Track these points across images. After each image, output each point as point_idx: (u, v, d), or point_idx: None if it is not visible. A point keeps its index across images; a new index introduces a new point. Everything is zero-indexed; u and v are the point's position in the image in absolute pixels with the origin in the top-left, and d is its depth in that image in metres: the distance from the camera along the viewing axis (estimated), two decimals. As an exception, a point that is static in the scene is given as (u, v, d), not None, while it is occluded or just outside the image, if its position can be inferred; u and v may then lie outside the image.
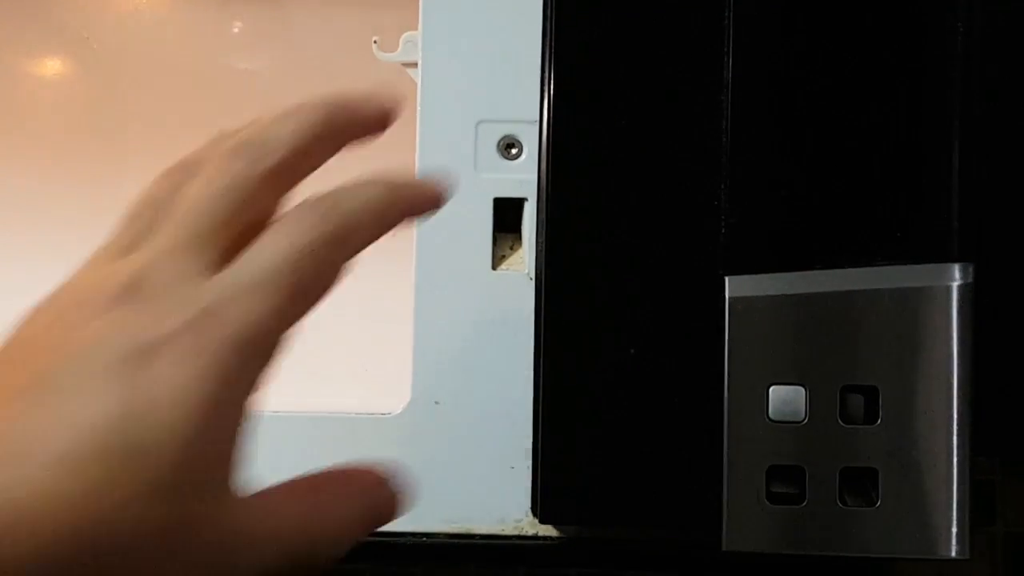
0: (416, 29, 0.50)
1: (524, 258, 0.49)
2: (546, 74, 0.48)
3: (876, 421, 0.44)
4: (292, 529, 0.33)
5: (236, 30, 0.71)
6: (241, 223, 0.32)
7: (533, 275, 0.49)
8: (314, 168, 0.34)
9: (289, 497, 0.34)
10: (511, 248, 0.50)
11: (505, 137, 0.49)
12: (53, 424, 0.28)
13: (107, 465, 0.28)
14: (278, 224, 0.32)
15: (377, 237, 0.33)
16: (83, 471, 0.28)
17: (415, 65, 0.50)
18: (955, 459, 0.43)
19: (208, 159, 0.34)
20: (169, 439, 0.29)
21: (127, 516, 0.28)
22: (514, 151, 0.49)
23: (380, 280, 0.54)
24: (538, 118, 0.48)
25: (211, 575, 0.30)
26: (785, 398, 0.45)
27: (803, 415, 0.44)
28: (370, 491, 0.36)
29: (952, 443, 0.43)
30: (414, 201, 0.34)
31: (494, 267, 0.49)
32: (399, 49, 0.52)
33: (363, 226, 0.33)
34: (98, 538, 0.28)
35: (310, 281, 0.32)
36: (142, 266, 0.31)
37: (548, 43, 0.48)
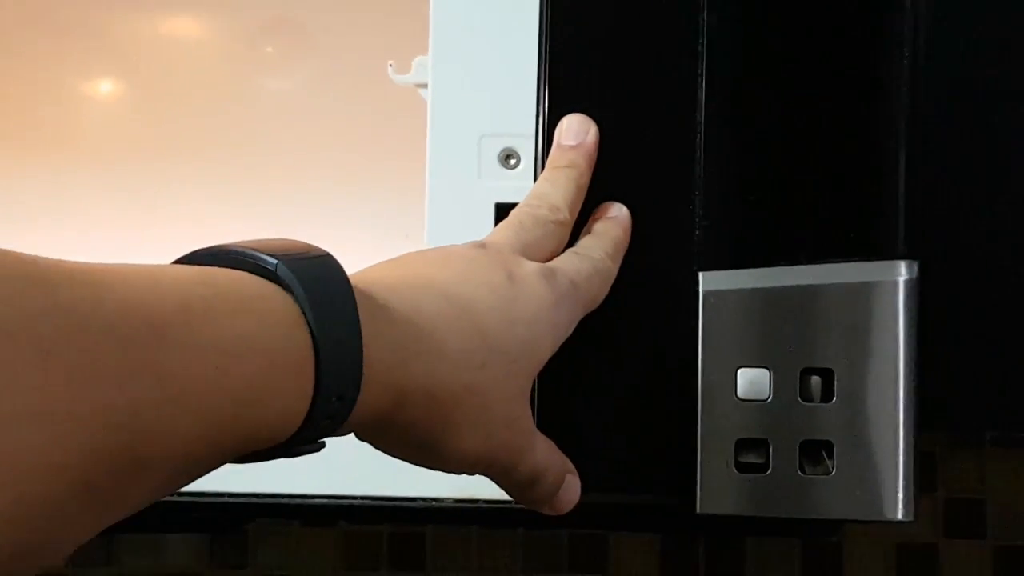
0: (426, 54, 0.50)
1: (522, 256, 0.49)
2: (541, 94, 0.48)
3: (832, 400, 0.44)
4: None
5: (268, 52, 0.71)
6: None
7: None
8: None
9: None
10: (510, 247, 0.50)
11: (505, 149, 0.49)
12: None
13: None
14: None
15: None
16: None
17: (426, 86, 0.50)
18: (901, 433, 0.43)
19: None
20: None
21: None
22: (513, 161, 0.49)
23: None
24: (534, 132, 0.48)
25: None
26: (752, 379, 0.45)
27: (767, 394, 0.44)
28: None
29: (899, 419, 0.43)
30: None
31: (495, 264, 0.49)
32: (412, 71, 0.52)
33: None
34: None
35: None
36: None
37: (543, 67, 0.48)
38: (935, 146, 0.45)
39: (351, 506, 0.50)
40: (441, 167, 0.50)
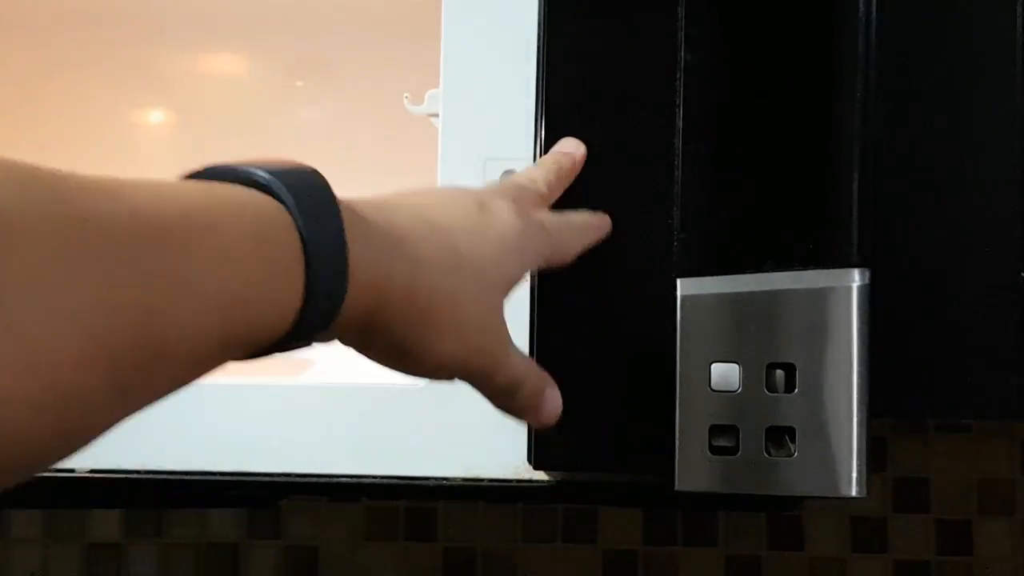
0: (438, 88, 0.50)
1: (522, 265, 0.49)
2: (538, 123, 0.48)
3: (794, 391, 0.44)
4: None
5: (299, 86, 0.71)
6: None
7: (528, 277, 0.49)
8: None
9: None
10: (512, 257, 0.50)
11: (507, 171, 0.49)
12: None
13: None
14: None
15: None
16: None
17: (437, 115, 0.50)
18: (855, 420, 0.43)
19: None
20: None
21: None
22: (514, 182, 0.49)
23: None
24: (532, 156, 0.48)
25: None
26: (723, 373, 0.45)
27: (737, 386, 0.44)
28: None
29: (853, 407, 0.43)
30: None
31: (498, 271, 0.49)
32: (425, 103, 0.52)
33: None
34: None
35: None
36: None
37: (540, 99, 0.48)
38: (885, 167, 0.45)
39: (372, 484, 0.50)
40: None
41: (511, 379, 0.40)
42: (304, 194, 0.31)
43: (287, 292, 0.30)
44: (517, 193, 0.42)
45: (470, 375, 0.39)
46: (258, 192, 0.30)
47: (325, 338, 0.34)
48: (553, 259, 0.43)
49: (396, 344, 0.36)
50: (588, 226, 0.46)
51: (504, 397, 0.40)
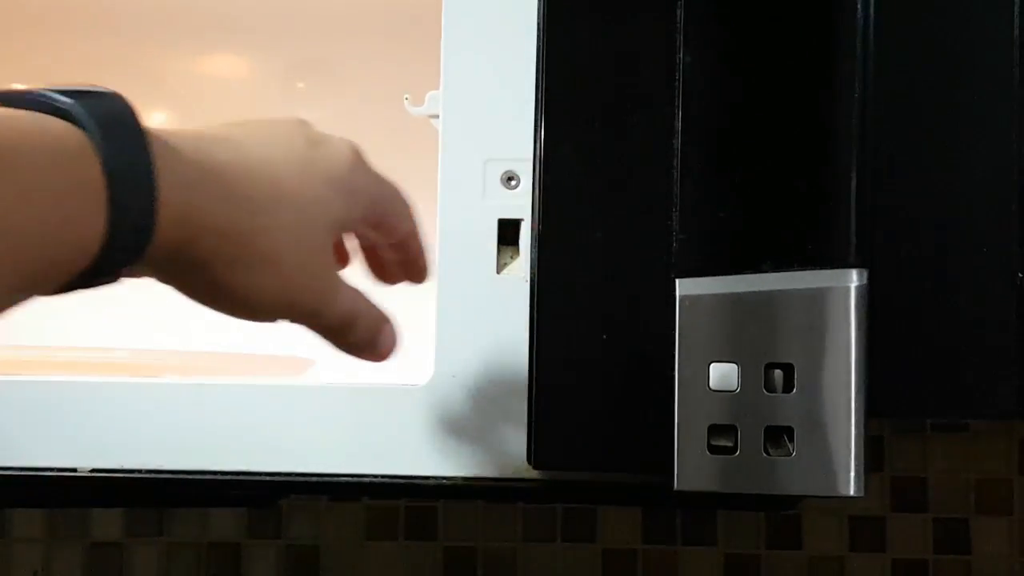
0: (438, 89, 0.50)
1: (521, 265, 0.49)
2: (538, 124, 0.48)
3: (792, 391, 0.44)
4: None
5: (300, 87, 0.71)
6: None
7: (528, 278, 0.49)
8: None
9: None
10: (511, 258, 0.50)
11: (506, 171, 0.49)
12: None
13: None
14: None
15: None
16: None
17: (437, 116, 0.50)
18: (853, 420, 0.43)
19: None
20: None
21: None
22: (513, 182, 0.50)
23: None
24: (532, 157, 0.48)
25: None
26: (722, 373, 0.45)
27: (736, 386, 0.44)
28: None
29: (850, 407, 0.43)
30: None
31: (498, 272, 0.50)
32: (425, 104, 0.52)
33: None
34: None
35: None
36: None
37: (539, 100, 0.48)
38: (883, 167, 0.45)
39: (372, 483, 0.50)
40: (450, 187, 0.50)
41: (342, 318, 0.39)
42: (108, 121, 0.30)
43: (89, 227, 0.29)
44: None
45: (295, 315, 0.38)
46: (58, 120, 0.29)
47: (136, 274, 0.33)
48: (387, 220, 0.42)
49: (212, 281, 0.34)
50: (411, 211, 0.44)
51: (336, 336, 0.39)
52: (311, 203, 0.37)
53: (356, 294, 0.40)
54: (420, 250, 0.45)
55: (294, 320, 0.38)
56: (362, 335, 0.40)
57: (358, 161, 0.40)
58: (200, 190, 0.33)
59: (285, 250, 0.36)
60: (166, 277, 0.35)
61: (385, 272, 0.46)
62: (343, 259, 0.45)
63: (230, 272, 0.34)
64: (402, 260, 0.45)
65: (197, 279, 0.35)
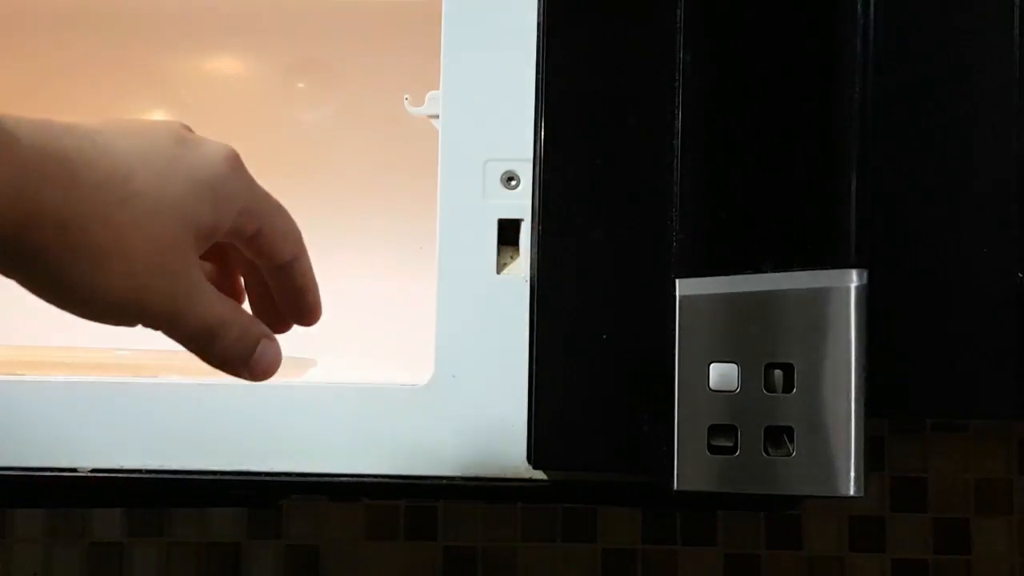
0: (438, 89, 0.50)
1: (521, 265, 0.49)
2: (538, 124, 0.48)
3: (792, 391, 0.44)
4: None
5: (300, 88, 0.71)
6: None
7: (528, 278, 0.49)
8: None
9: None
10: (511, 257, 0.50)
11: (506, 172, 0.49)
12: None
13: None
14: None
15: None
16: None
17: (437, 116, 0.50)
18: (852, 420, 0.43)
19: None
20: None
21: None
22: (513, 183, 0.49)
23: (412, 281, 0.54)
24: (532, 157, 0.48)
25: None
26: (722, 372, 0.45)
27: (736, 386, 0.44)
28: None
29: (850, 407, 0.43)
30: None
31: (498, 272, 0.49)
32: (425, 104, 0.52)
33: None
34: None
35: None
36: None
37: (539, 100, 0.48)
38: (883, 167, 0.45)
39: (372, 483, 0.50)
40: (450, 188, 0.50)
41: (202, 326, 0.37)
42: None
43: None
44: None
45: (148, 318, 0.36)
46: None
47: None
48: (264, 238, 0.39)
49: (52, 273, 0.33)
50: (298, 233, 0.41)
51: (198, 346, 0.37)
52: (168, 201, 0.35)
53: (228, 306, 0.38)
54: (308, 284, 0.41)
55: (147, 324, 0.36)
56: (229, 350, 0.38)
57: (232, 167, 0.38)
58: (39, 176, 0.32)
59: (134, 249, 0.34)
60: (3, 267, 0.34)
61: (268, 307, 0.42)
62: (237, 295, 0.42)
63: (71, 264, 0.33)
64: (288, 292, 0.41)
65: (37, 270, 0.33)
